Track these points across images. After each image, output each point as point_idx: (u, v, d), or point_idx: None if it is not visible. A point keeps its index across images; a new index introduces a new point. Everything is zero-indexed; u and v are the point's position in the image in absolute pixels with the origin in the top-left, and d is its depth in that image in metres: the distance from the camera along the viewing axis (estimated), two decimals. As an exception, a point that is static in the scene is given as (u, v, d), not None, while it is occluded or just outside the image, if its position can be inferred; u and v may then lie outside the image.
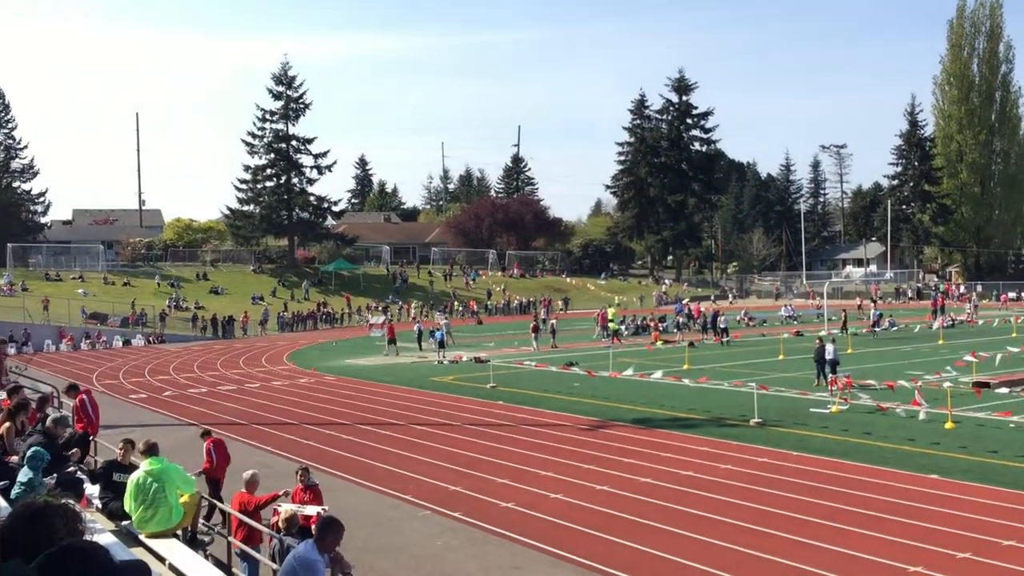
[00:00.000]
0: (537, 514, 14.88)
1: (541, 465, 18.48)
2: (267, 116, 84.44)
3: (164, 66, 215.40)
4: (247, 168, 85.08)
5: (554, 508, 15.18)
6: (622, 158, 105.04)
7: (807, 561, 12.02)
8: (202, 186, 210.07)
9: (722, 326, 45.09)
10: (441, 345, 41.20)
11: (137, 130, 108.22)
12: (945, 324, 47.71)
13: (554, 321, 48.69)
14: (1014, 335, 43.45)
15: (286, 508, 10.75)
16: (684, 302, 62.50)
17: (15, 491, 9.15)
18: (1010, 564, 11.66)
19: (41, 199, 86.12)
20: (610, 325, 46.43)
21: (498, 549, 13.23)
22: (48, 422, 11.64)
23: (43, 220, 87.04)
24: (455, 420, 24.72)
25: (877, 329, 47.32)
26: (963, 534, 12.97)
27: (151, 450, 10.29)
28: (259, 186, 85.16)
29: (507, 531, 13.98)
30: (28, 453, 9.57)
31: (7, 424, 11.55)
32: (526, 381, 31.96)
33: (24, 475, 9.26)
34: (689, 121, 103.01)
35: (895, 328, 48.18)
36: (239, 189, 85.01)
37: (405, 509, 15.64)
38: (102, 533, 9.47)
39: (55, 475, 10.10)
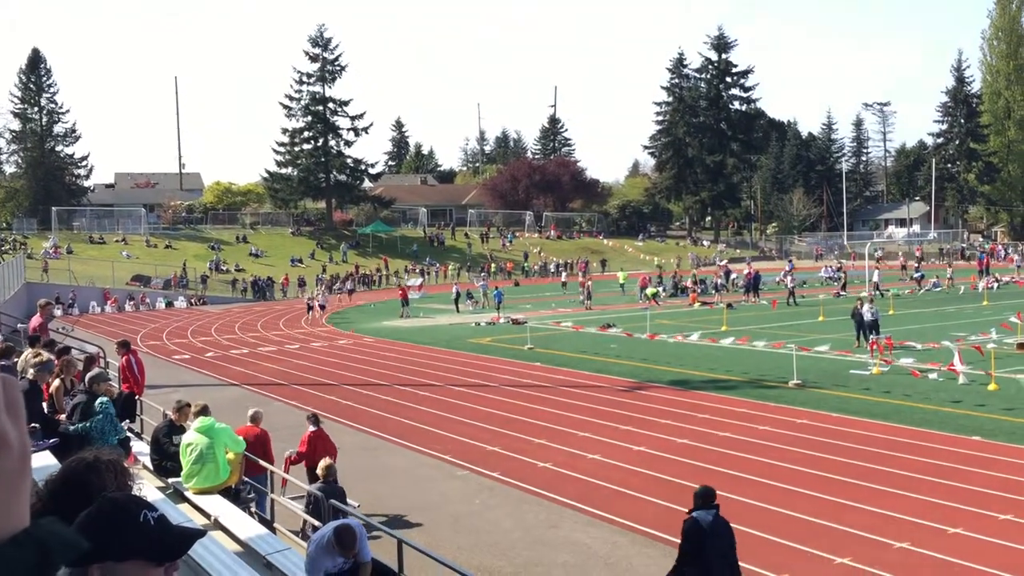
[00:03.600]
0: (574, 474, 14.98)
1: (578, 426, 18.57)
2: (304, 79, 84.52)
3: (203, 29, 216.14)
4: (285, 131, 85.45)
5: (591, 468, 15.27)
6: (660, 118, 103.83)
7: (846, 522, 12.00)
8: (241, 149, 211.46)
9: (789, 285, 44.69)
10: (499, 305, 41.82)
11: (176, 94, 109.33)
12: (990, 285, 46.91)
13: (590, 283, 48.61)
14: (1061, 296, 42.58)
15: (323, 462, 11.05)
16: (792, 260, 63.45)
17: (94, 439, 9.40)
18: (1053, 526, 11.54)
19: (84, 163, 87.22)
20: (623, 287, 47.09)
21: (535, 508, 13.36)
22: (85, 380, 11.90)
23: (86, 184, 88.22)
24: (492, 381, 24.88)
25: (920, 290, 46.64)
26: (1006, 496, 12.85)
27: (204, 411, 10.57)
28: (297, 149, 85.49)
29: (544, 490, 14.11)
30: (97, 407, 9.72)
31: (56, 383, 11.83)
32: (563, 342, 32.02)
33: (98, 424, 9.49)
34: (728, 80, 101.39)
35: (939, 288, 47.47)
36: (277, 152, 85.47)
37: (444, 468, 15.83)
38: (149, 490, 9.72)
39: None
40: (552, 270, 78.09)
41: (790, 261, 62.88)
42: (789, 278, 46.67)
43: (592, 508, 13.10)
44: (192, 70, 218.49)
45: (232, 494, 10.20)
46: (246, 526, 8.83)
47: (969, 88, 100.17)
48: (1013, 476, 13.86)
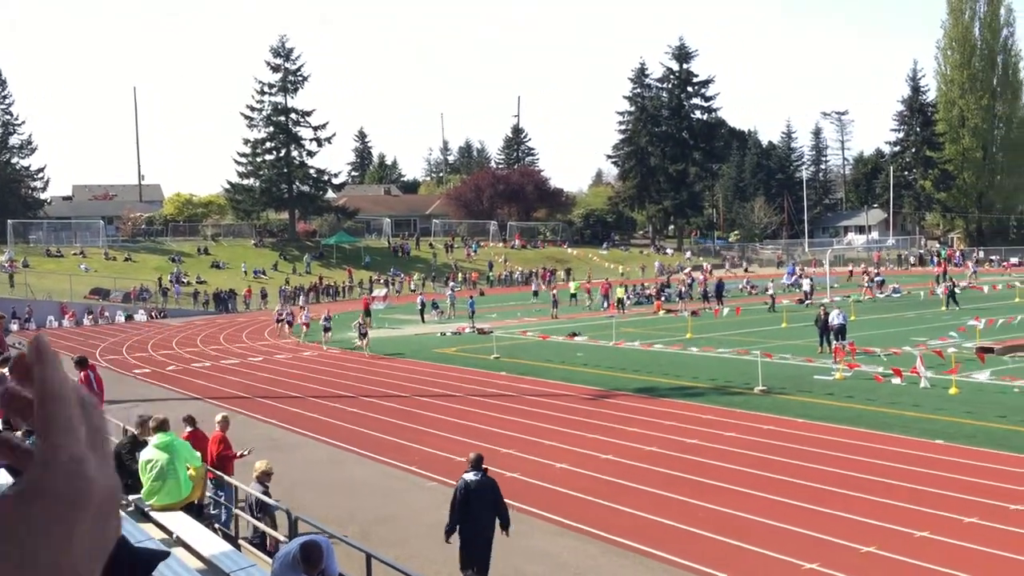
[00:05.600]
0: (542, 483, 14.90)
1: (545, 435, 18.50)
2: (265, 89, 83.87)
3: (162, 40, 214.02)
4: (246, 141, 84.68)
5: (559, 477, 15.21)
6: (623, 127, 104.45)
7: (812, 527, 12.04)
8: (202, 161, 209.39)
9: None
10: (472, 314, 42.01)
11: (135, 104, 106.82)
12: (947, 291, 47.58)
13: (555, 292, 48.69)
14: (1017, 300, 43.37)
15: (258, 464, 11.22)
16: (796, 264, 64.86)
17: None
18: (1018, 528, 11.67)
19: (40, 175, 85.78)
20: (575, 297, 48.04)
21: (505, 519, 13.25)
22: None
23: (43, 196, 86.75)
24: (459, 391, 24.75)
25: (880, 295, 47.26)
26: (970, 499, 12.98)
27: (162, 426, 10.32)
28: (259, 159, 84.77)
29: (512, 500, 13.96)
30: None
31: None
32: (530, 352, 31.97)
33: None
34: (690, 89, 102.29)
35: (899, 295, 48.09)
36: (239, 163, 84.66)
37: (412, 480, 15.68)
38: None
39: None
40: (518, 279, 78.17)
41: (792, 266, 64.51)
42: (806, 281, 47.94)
43: (561, 517, 13.03)
44: (151, 80, 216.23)
45: (195, 510, 10.00)
46: (209, 543, 8.65)
47: (924, 97, 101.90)
48: (976, 479, 14.01)
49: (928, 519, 12.18)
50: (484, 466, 10.39)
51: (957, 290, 49.01)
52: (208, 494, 11.51)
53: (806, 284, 47.05)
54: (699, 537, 11.92)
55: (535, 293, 54.09)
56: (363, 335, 34.44)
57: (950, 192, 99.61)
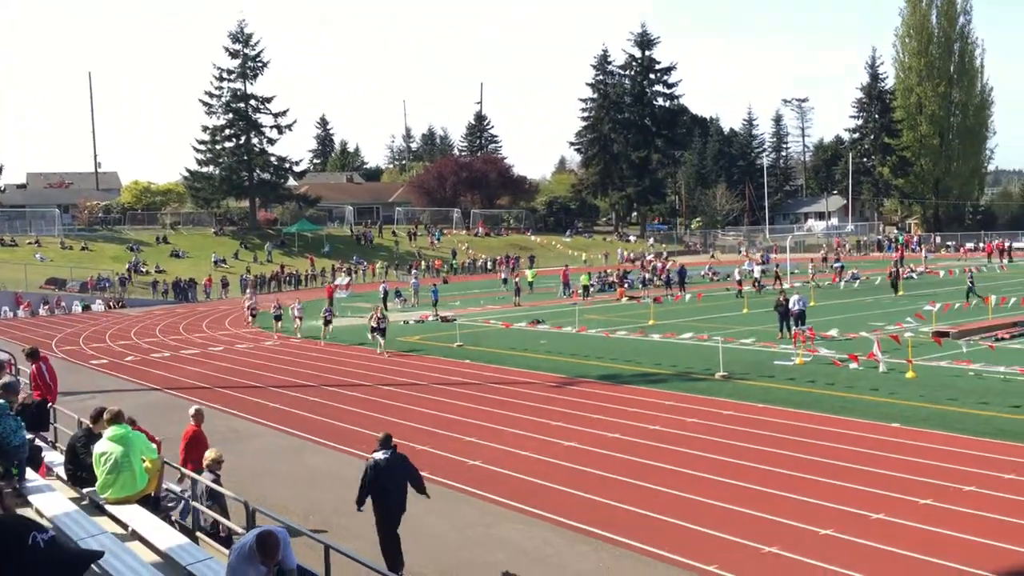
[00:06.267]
0: (506, 471, 14.90)
1: (509, 423, 18.50)
2: (224, 75, 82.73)
3: (118, 24, 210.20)
4: (205, 129, 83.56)
5: (522, 465, 15.21)
6: (585, 115, 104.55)
7: (773, 511, 12.15)
8: (160, 148, 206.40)
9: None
10: (435, 303, 41.79)
11: (90, 91, 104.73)
12: (906, 275, 48.32)
13: (517, 279, 48.70)
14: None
15: (208, 453, 11.19)
16: (770, 250, 65.83)
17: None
18: (971, 509, 11.87)
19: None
20: (532, 286, 48.22)
21: (467, 508, 13.23)
22: (-1, 388, 11.37)
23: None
24: (422, 380, 24.66)
25: (842, 284, 47.85)
26: (925, 481, 13.18)
27: (116, 417, 10.11)
28: (218, 147, 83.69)
29: (476, 489, 13.99)
30: None
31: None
32: (493, 339, 31.94)
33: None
34: (652, 76, 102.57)
35: (859, 281, 48.69)
36: (198, 150, 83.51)
37: (373, 469, 15.58)
38: (63, 501, 9.32)
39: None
40: (482, 267, 78.06)
41: (766, 254, 65.24)
42: (757, 268, 48.45)
43: (524, 505, 13.03)
44: (107, 66, 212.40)
45: (151, 503, 9.84)
46: (166, 536, 8.49)
47: (883, 85, 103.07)
48: (931, 461, 14.23)
49: (884, 501, 12.34)
50: (393, 444, 10.79)
51: (914, 276, 49.79)
52: (176, 490, 11.34)
53: (756, 271, 47.46)
54: (660, 522, 11.99)
55: (504, 281, 54.36)
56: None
57: (908, 178, 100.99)
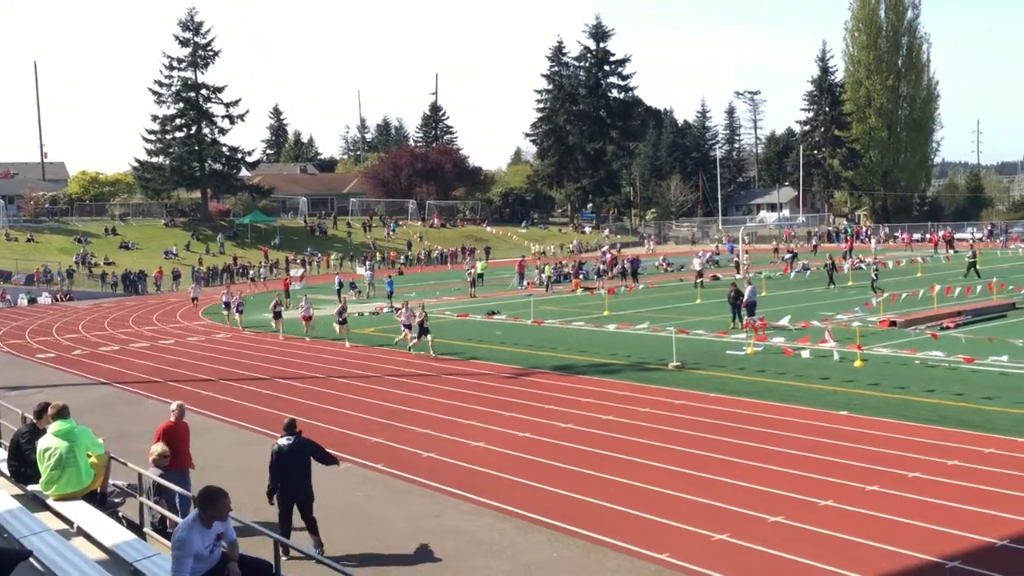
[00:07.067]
0: (459, 462, 14.89)
1: (463, 414, 18.49)
2: (174, 64, 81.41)
3: (64, 12, 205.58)
4: (155, 118, 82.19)
5: (476, 456, 15.22)
6: (541, 106, 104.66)
7: (723, 499, 12.30)
8: (108, 138, 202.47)
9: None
10: (390, 294, 42.05)
11: (36, 80, 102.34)
12: (855, 266, 49.13)
13: (471, 271, 48.64)
14: (919, 275, 44.98)
15: (154, 447, 11.07)
16: (734, 242, 66.34)
17: None
18: (915, 495, 12.12)
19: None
20: (482, 277, 48.36)
21: (419, 498, 13.21)
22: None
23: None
24: (376, 372, 24.55)
25: (792, 274, 48.52)
26: (871, 468, 13.43)
27: (61, 412, 9.91)
28: (168, 137, 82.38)
29: (428, 480, 13.97)
30: None
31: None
32: (448, 331, 31.87)
33: None
34: (607, 68, 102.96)
35: (809, 272, 49.36)
36: (147, 140, 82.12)
37: (326, 462, 15.47)
38: (5, 498, 9.12)
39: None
40: (437, 258, 77.84)
41: (732, 243, 65.98)
42: (696, 260, 48.85)
43: (477, 496, 13.04)
44: (54, 55, 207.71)
45: (97, 499, 9.68)
46: (112, 532, 8.36)
47: (833, 78, 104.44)
48: (878, 448, 14.50)
49: (832, 488, 12.56)
50: (298, 429, 11.09)
51: (863, 267, 50.64)
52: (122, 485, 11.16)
53: (696, 263, 47.84)
54: (613, 511, 12.07)
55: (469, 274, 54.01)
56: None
57: (857, 170, 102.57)
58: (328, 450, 11.49)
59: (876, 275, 38.74)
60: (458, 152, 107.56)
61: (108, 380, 25.30)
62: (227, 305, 37.23)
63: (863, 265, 52.06)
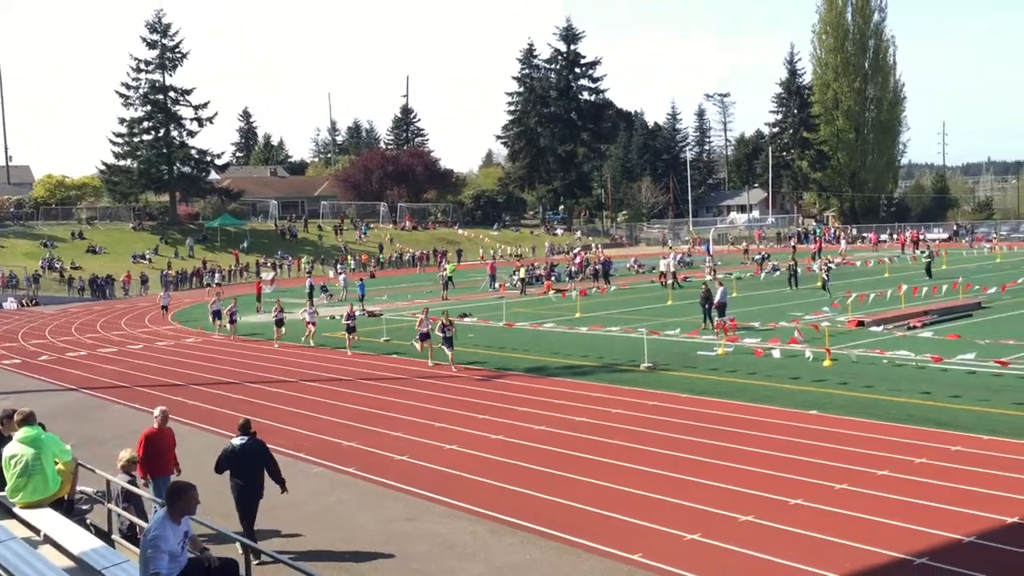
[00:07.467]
0: (432, 465, 14.86)
1: (436, 417, 18.45)
2: (142, 66, 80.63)
3: (30, 14, 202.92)
4: (122, 121, 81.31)
5: (449, 459, 15.19)
6: (512, 108, 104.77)
7: (694, 499, 12.36)
8: (75, 141, 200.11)
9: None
10: (362, 297, 41.66)
11: None
12: (823, 267, 49.56)
13: (443, 273, 48.59)
14: (887, 276, 45.51)
15: (122, 453, 11.00)
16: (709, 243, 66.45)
17: None
18: (884, 493, 12.25)
19: None
20: (446, 276, 47.93)
21: (392, 502, 13.17)
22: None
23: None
24: (348, 375, 24.44)
25: (762, 275, 48.92)
26: (841, 466, 13.56)
27: (27, 419, 9.76)
28: (136, 140, 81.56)
29: (401, 484, 13.93)
30: None
31: None
32: (420, 333, 31.74)
33: None
34: (577, 70, 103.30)
35: (779, 272, 49.78)
36: (115, 143, 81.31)
37: (298, 467, 15.38)
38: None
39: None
40: (408, 261, 77.64)
41: (708, 244, 66.23)
42: (663, 262, 48.79)
43: (450, 499, 13.02)
44: (19, 57, 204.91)
45: (64, 506, 9.54)
46: (79, 540, 8.24)
47: (801, 80, 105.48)
48: (847, 447, 14.65)
49: (803, 487, 12.67)
50: (252, 430, 11.43)
51: (832, 267, 51.13)
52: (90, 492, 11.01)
53: (662, 264, 48.01)
54: (586, 512, 12.09)
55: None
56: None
57: (825, 172, 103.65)
58: (280, 471, 11.50)
59: (827, 275, 39.22)
60: (429, 155, 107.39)
61: (75, 386, 24.99)
62: (216, 314, 34.55)
63: (832, 265, 52.63)
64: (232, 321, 33.00)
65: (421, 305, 41.59)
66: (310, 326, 30.98)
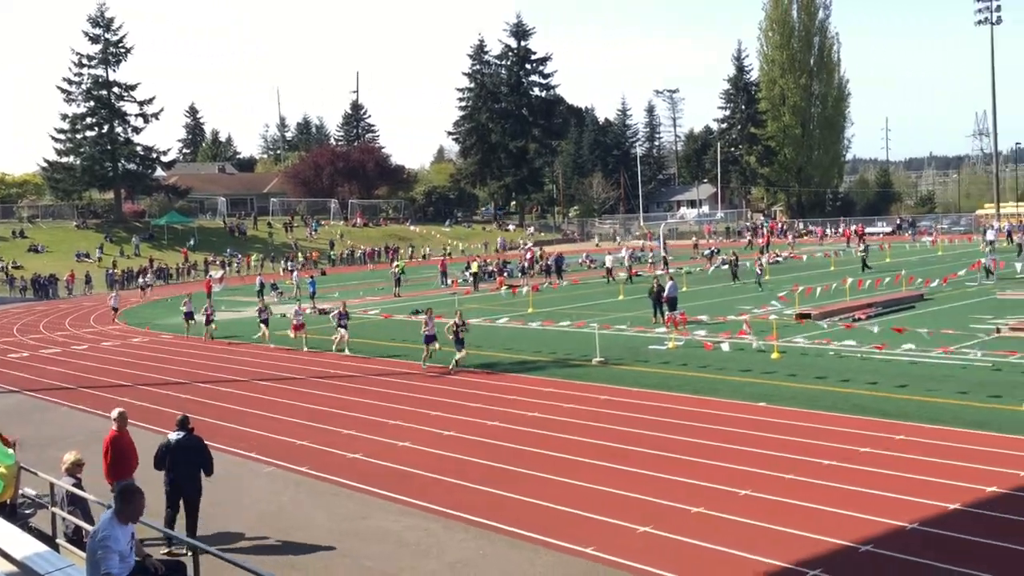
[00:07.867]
0: (385, 463, 14.80)
1: (388, 414, 18.38)
2: (84, 61, 79.00)
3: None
4: (64, 117, 79.72)
5: (402, 456, 15.15)
6: (463, 104, 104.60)
7: (645, 492, 12.48)
8: (14, 137, 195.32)
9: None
10: (313, 295, 41.65)
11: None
12: (771, 260, 50.36)
13: (395, 270, 48.35)
14: (832, 269, 46.31)
15: (67, 456, 10.81)
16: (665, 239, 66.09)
17: None
18: (830, 482, 12.48)
19: None
20: (398, 273, 47.35)
21: (346, 501, 13.09)
22: None
23: None
24: (299, 374, 24.23)
25: (711, 269, 49.48)
26: (789, 457, 13.78)
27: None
28: (79, 136, 79.94)
29: (355, 482, 13.86)
30: None
31: None
32: (372, 331, 31.64)
33: None
34: (528, 66, 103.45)
35: (726, 267, 50.36)
36: (56, 140, 79.58)
37: (249, 467, 15.24)
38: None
39: None
40: (360, 258, 77.14)
41: (661, 240, 66.31)
42: (609, 257, 49.03)
43: (404, 496, 12.98)
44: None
45: (7, 510, 9.35)
46: (22, 544, 8.06)
47: (749, 77, 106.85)
48: (794, 437, 14.89)
49: (751, 478, 12.85)
50: (190, 426, 11.52)
51: (780, 260, 51.95)
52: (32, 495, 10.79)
53: (608, 260, 48.41)
54: (538, 507, 12.14)
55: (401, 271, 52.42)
56: (188, 317, 32.27)
57: (772, 167, 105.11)
58: (212, 466, 11.55)
59: (760, 270, 39.92)
60: (380, 151, 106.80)
61: (18, 388, 24.44)
62: (189, 315, 33.27)
63: (779, 259, 53.45)
64: (209, 322, 32.12)
65: (373, 302, 41.52)
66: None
